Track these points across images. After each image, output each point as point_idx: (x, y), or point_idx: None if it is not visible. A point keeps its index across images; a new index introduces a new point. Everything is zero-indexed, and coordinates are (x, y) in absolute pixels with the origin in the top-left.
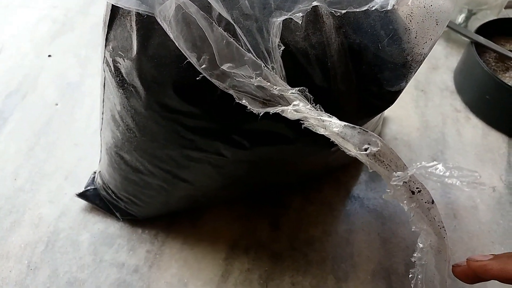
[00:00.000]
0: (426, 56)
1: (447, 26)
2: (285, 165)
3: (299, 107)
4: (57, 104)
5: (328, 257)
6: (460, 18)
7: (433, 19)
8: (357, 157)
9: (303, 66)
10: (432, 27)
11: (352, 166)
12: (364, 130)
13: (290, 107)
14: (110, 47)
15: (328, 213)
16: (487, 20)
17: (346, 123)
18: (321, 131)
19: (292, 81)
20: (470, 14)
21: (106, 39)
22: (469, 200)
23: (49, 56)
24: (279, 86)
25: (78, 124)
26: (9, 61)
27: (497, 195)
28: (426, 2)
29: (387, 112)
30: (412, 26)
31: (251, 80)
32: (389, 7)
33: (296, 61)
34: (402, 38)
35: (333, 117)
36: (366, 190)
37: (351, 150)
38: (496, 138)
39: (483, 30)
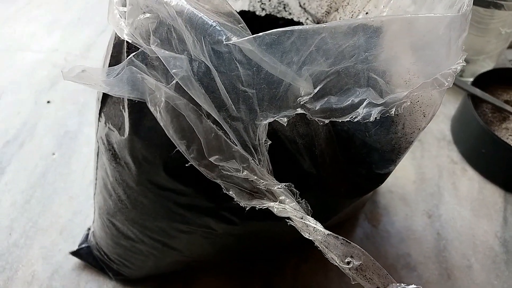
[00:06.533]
0: (414, 142)
1: None
2: (276, 235)
3: (284, 207)
4: (54, 154)
5: None
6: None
7: (420, 112)
8: (339, 267)
9: (292, 152)
10: (420, 118)
11: (348, 223)
12: (346, 241)
13: (276, 205)
14: (103, 122)
15: (322, 273)
16: (484, 69)
17: (329, 232)
18: (306, 235)
19: (281, 166)
20: (467, 63)
21: (100, 114)
22: (463, 259)
23: (48, 102)
24: (265, 180)
25: (74, 175)
26: (7, 108)
27: (492, 253)
28: (413, 99)
29: None
30: (399, 119)
31: (238, 173)
32: (371, 119)
33: (285, 147)
34: (389, 129)
35: (318, 223)
36: None
37: (335, 260)
38: (492, 192)
39: (480, 80)
